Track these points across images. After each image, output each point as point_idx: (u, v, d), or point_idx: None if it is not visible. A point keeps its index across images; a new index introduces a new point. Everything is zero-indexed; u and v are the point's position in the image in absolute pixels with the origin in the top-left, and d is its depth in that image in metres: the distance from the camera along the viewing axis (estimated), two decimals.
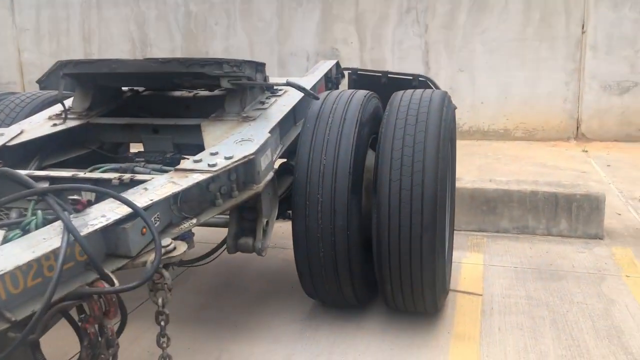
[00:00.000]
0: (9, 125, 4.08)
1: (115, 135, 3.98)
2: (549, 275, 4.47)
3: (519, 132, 10.14)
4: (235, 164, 2.99)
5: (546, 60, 9.92)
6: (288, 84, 3.47)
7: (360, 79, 4.70)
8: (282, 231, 5.03)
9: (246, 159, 3.04)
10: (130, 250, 2.49)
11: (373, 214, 3.39)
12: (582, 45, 9.74)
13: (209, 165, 2.93)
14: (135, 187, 2.74)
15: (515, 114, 10.14)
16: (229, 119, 3.63)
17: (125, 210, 2.47)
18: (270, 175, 3.32)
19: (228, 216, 3.38)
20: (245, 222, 3.37)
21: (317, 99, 3.62)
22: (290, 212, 3.70)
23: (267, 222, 3.35)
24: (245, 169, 3.13)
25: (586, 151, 9.13)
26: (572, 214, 5.27)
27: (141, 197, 2.62)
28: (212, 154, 3.07)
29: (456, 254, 4.88)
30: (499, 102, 10.16)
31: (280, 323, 3.83)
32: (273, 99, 3.93)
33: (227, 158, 3.01)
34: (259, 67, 3.78)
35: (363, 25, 10.63)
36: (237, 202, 3.08)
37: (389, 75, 4.57)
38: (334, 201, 3.36)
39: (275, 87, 4.02)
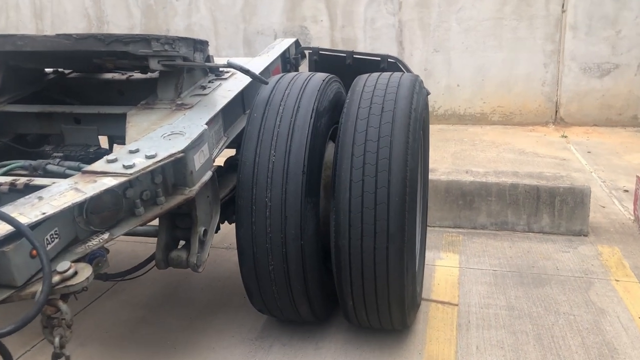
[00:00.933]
0: None
1: (30, 126, 3.38)
2: (532, 280, 4.03)
3: (496, 116, 9.71)
4: (159, 164, 2.44)
5: (524, 41, 9.46)
6: (229, 65, 2.90)
7: (322, 60, 4.16)
8: None
9: (173, 158, 2.49)
10: (14, 279, 1.95)
11: (331, 220, 2.87)
12: (561, 25, 9.29)
13: (124, 166, 2.37)
14: (27, 196, 2.17)
15: (492, 97, 9.70)
16: (160, 107, 3.07)
17: (7, 228, 1.92)
18: (208, 175, 2.78)
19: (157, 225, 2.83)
20: (178, 232, 2.83)
21: (266, 83, 3.07)
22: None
23: (205, 231, 2.81)
24: (175, 170, 2.58)
25: (565, 136, 8.74)
26: (554, 209, 4.83)
27: (32, 210, 2.07)
28: (131, 152, 2.50)
29: (429, 255, 4.42)
30: (475, 84, 9.70)
31: (227, 344, 3.31)
32: (217, 83, 3.36)
33: (148, 157, 2.45)
34: (199, 45, 3.21)
35: (333, 2, 10.02)
36: (164, 210, 2.53)
37: (354, 56, 4.04)
38: (285, 205, 2.84)
39: (220, 70, 3.45)
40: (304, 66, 4.52)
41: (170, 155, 2.48)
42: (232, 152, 3.54)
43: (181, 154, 2.52)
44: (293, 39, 4.27)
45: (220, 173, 3.21)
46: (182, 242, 2.88)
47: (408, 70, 3.97)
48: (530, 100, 9.60)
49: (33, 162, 2.92)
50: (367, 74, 3.25)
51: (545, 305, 3.67)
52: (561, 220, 4.84)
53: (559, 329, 3.39)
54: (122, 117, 3.07)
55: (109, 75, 3.70)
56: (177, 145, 2.56)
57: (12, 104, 3.34)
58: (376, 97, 2.96)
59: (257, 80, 3.00)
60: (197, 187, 2.66)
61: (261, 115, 3.01)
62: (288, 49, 4.17)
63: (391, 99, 2.93)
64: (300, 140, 2.90)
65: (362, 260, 2.80)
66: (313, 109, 2.99)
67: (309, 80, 3.19)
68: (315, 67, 4.20)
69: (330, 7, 10.03)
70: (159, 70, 2.99)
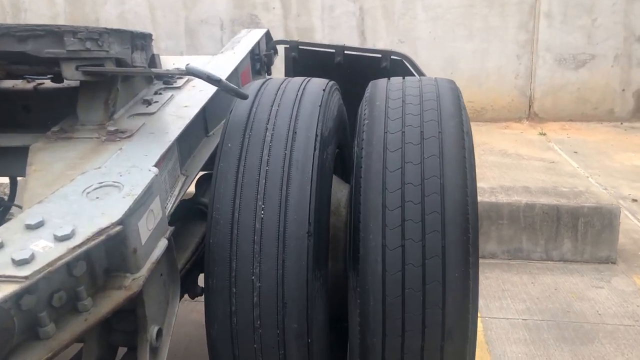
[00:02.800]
0: None
1: None
2: (574, 334, 3.20)
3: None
4: (79, 250, 1.40)
5: (496, 30, 8.73)
6: (190, 71, 1.87)
7: (303, 58, 3.18)
8: None
9: (104, 236, 1.46)
10: None
11: (353, 306, 1.91)
12: (535, 13, 8.61)
13: (14, 261, 1.33)
14: None
15: (462, 92, 8.92)
16: (82, 135, 2.01)
17: None
18: (162, 246, 1.76)
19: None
20: (117, 337, 1.79)
21: (246, 97, 2.06)
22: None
23: (160, 331, 1.79)
24: (107, 250, 1.56)
25: (544, 134, 8.07)
26: (577, 233, 4.04)
27: None
28: (29, 228, 1.46)
29: None
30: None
31: None
32: (167, 95, 2.33)
33: (60, 239, 1.41)
34: (139, 40, 2.16)
35: None
36: (91, 323, 1.50)
37: (345, 52, 3.09)
38: (283, 286, 1.85)
39: (167, 77, 2.42)
40: (278, 66, 3.51)
41: (99, 233, 1.45)
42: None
43: (117, 228, 1.49)
44: (263, 30, 3.26)
45: (175, 222, 2.17)
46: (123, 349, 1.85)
47: (419, 72, 3.04)
48: (502, 94, 8.91)
49: None
50: (384, 80, 2.30)
51: None
52: (585, 245, 4.06)
53: None
54: (24, 152, 2.00)
55: (7, 84, 2.58)
56: (110, 210, 1.52)
57: None
58: (409, 117, 2.00)
59: (232, 94, 1.99)
60: (144, 271, 1.64)
61: (238, 146, 2.01)
62: (258, 43, 3.15)
63: (432, 118, 1.99)
64: (301, 184, 1.91)
65: None
66: (317, 135, 2.02)
67: (304, 90, 2.21)
68: (293, 66, 3.22)
69: None
70: (77, 80, 1.92)
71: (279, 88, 2.23)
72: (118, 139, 1.97)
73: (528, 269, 4.00)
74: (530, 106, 8.93)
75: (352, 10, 8.90)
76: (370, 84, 2.29)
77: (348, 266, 2.00)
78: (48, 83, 2.59)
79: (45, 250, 1.38)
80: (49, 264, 1.34)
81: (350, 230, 1.98)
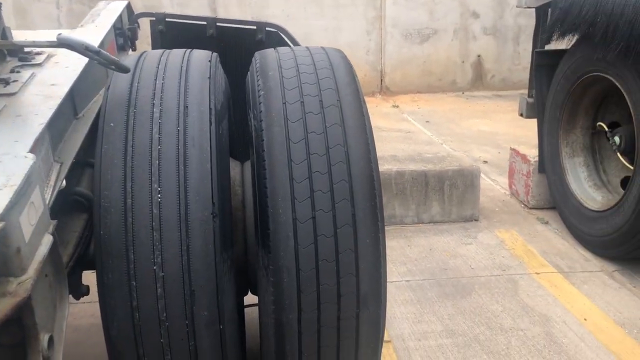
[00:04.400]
0: None
1: None
2: (454, 289, 3.41)
3: None
4: None
5: (346, 7, 8.95)
6: (63, 42, 1.63)
7: (171, 31, 2.96)
8: None
9: None
10: None
11: (264, 284, 1.83)
12: None
13: None
14: None
15: None
16: None
17: None
18: (47, 242, 1.54)
19: None
20: (1, 353, 1.54)
21: (127, 70, 1.86)
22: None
23: (51, 339, 1.57)
24: None
25: (397, 106, 8.48)
26: (444, 195, 4.30)
27: None
28: None
29: None
30: None
31: None
32: (27, 73, 2.04)
33: None
34: None
35: None
36: None
37: (218, 24, 2.93)
38: (190, 273, 1.72)
39: (27, 50, 2.12)
40: (142, 41, 3.25)
41: None
42: None
43: (1, 224, 1.26)
44: (124, 2, 2.98)
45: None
46: None
47: (296, 43, 2.98)
48: (356, 70, 9.15)
49: None
50: (272, 50, 2.21)
51: (485, 321, 3.07)
52: (451, 206, 4.33)
53: (517, 352, 2.80)
54: None
55: None
56: None
57: None
58: (307, 86, 1.94)
59: (112, 68, 1.78)
60: (31, 272, 1.43)
61: (123, 125, 1.81)
62: (120, 16, 2.88)
63: (330, 86, 1.95)
64: (200, 162, 1.78)
65: (319, 340, 1.83)
66: (210, 109, 1.88)
67: (189, 62, 2.06)
68: (161, 41, 2.99)
69: None
70: None
71: (160, 60, 2.05)
72: None
73: (403, 233, 4.18)
74: (382, 80, 9.32)
75: (207, 2, 8.60)
76: (257, 54, 2.19)
77: (256, 244, 1.91)
78: None
79: None
80: None
81: (255, 206, 1.89)
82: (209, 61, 2.09)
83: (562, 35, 3.89)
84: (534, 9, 4.54)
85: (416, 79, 9.34)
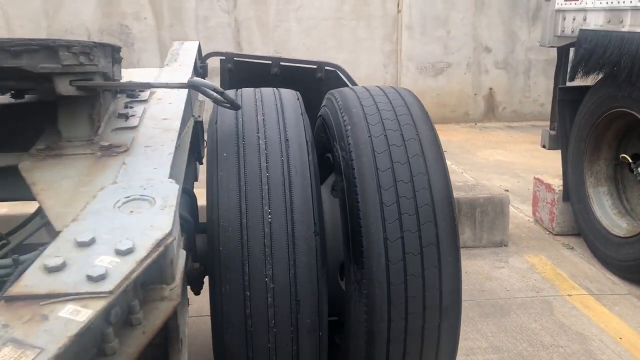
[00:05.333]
0: None
1: None
2: (493, 309, 3.63)
3: None
4: (145, 263, 1.42)
5: (364, 41, 9.32)
6: (195, 84, 1.89)
7: (238, 69, 3.25)
8: None
9: (162, 247, 1.48)
10: None
11: (356, 297, 2.07)
12: (398, 26, 9.34)
13: (90, 277, 1.32)
14: None
15: None
16: (74, 152, 1.96)
17: None
18: (184, 255, 1.80)
19: None
20: (147, 352, 1.78)
21: (239, 108, 2.13)
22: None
23: (182, 342, 1.81)
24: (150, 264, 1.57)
25: None
26: (475, 221, 4.54)
27: None
28: (82, 245, 1.43)
29: None
30: None
31: None
32: (139, 109, 2.31)
33: (122, 252, 1.42)
34: (116, 54, 2.14)
35: None
36: (149, 335, 1.50)
37: (281, 63, 3.22)
38: (296, 285, 1.96)
39: (139, 90, 2.40)
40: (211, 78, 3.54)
41: (158, 245, 1.46)
42: None
43: (171, 239, 1.51)
44: (196, 43, 3.27)
45: None
46: None
47: (352, 81, 3.27)
48: None
49: None
50: (347, 89, 2.49)
51: (527, 339, 3.29)
52: (482, 232, 4.57)
53: None
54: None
55: None
56: (158, 223, 1.54)
57: None
58: (388, 122, 2.22)
59: (227, 105, 2.04)
60: (178, 281, 1.67)
61: (234, 154, 2.08)
62: (195, 55, 3.17)
63: (408, 122, 2.23)
64: (303, 187, 2.04)
65: (404, 348, 2.06)
66: (307, 142, 2.15)
67: (281, 100, 2.33)
68: (229, 78, 3.28)
69: (155, 2, 8.79)
70: (69, 95, 1.86)
71: (255, 98, 2.33)
72: (115, 154, 1.94)
73: None
74: None
75: (227, 22, 8.97)
76: (335, 92, 2.47)
77: (347, 261, 2.15)
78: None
79: (113, 265, 1.37)
80: (126, 278, 1.34)
81: (346, 227, 2.14)
82: (297, 99, 2.37)
83: (587, 73, 4.19)
84: (555, 48, 4.85)
85: (430, 110, 9.58)
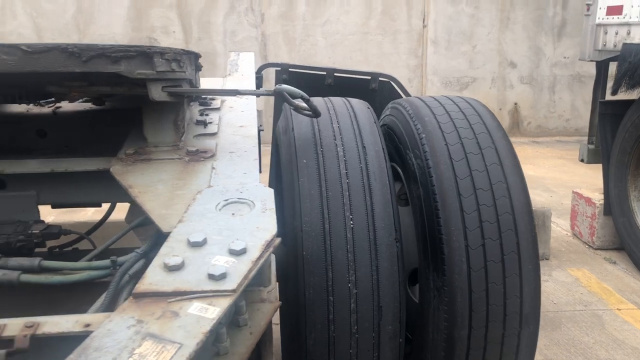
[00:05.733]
0: None
1: None
2: (543, 322, 3.60)
3: None
4: (259, 263, 1.44)
5: (389, 56, 9.38)
6: (282, 91, 1.92)
7: (293, 80, 3.29)
8: None
9: (272, 248, 1.50)
10: None
11: (435, 304, 2.07)
12: (423, 40, 9.39)
13: (212, 276, 1.34)
14: None
15: None
16: (162, 156, 1.99)
17: None
18: (273, 258, 1.82)
19: None
20: None
21: (319, 115, 2.15)
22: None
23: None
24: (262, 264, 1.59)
25: None
26: None
27: None
28: (195, 245, 1.45)
29: None
30: None
31: None
32: (215, 116, 2.34)
33: (236, 253, 1.44)
34: (197, 61, 2.18)
35: (187, 11, 8.92)
36: (256, 336, 1.52)
37: (335, 74, 3.25)
38: (379, 291, 1.97)
39: (210, 98, 2.44)
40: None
41: (268, 246, 1.48)
42: None
43: (278, 240, 1.53)
44: (251, 54, 3.32)
45: None
46: None
47: (406, 92, 3.30)
48: None
49: None
50: (415, 98, 2.52)
51: (581, 352, 3.26)
52: None
53: None
54: (90, 177, 1.94)
55: (20, 108, 2.42)
56: (264, 224, 1.56)
57: None
58: (462, 130, 2.23)
59: (310, 115, 2.07)
60: (273, 283, 1.69)
61: (314, 161, 2.10)
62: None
63: (482, 131, 2.24)
64: (383, 194, 2.05)
65: (484, 355, 2.06)
66: (383, 149, 2.17)
67: (353, 108, 2.36)
68: None
69: (184, 16, 8.91)
70: (161, 100, 1.90)
71: (327, 107, 2.36)
72: (202, 159, 1.97)
73: None
74: None
75: (255, 36, 9.07)
76: (403, 102, 2.49)
77: (425, 268, 2.16)
78: (63, 107, 2.47)
79: (230, 264, 1.39)
80: (245, 277, 1.36)
81: (424, 233, 2.14)
82: (368, 108, 2.39)
83: (631, 87, 4.19)
84: (585, 64, 4.87)
85: None
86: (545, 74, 9.65)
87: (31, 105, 2.44)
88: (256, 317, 1.56)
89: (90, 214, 4.15)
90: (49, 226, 1.99)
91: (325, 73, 3.29)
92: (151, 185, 1.79)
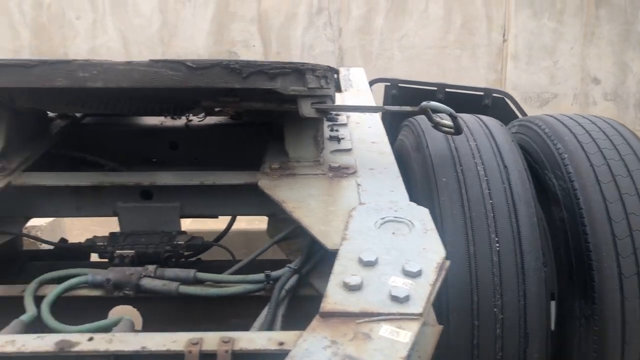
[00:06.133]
0: None
1: (60, 207, 2.07)
2: None
3: None
4: (437, 287, 1.40)
5: (468, 70, 9.21)
6: (428, 107, 1.90)
7: (402, 95, 3.27)
8: None
9: (444, 272, 1.46)
10: None
11: (583, 333, 1.98)
12: (503, 55, 9.19)
13: (397, 299, 1.31)
14: None
15: None
16: (304, 172, 2.00)
17: None
18: None
19: None
20: None
21: (460, 132, 2.11)
22: None
23: None
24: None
25: None
26: None
27: None
28: (367, 265, 1.43)
29: None
30: None
31: None
32: (346, 132, 2.34)
33: (412, 275, 1.40)
34: (335, 77, 2.18)
35: (267, 25, 9.06)
36: None
37: (446, 90, 3.21)
38: (525, 318, 1.89)
39: (336, 114, 2.44)
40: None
41: (440, 268, 1.45)
42: None
43: (448, 262, 1.49)
44: (361, 69, 3.32)
45: None
46: None
47: (521, 110, 3.21)
48: None
49: (104, 274, 1.70)
50: (544, 115, 2.45)
51: None
52: None
53: None
54: (225, 189, 1.96)
55: (153, 120, 2.49)
56: (430, 246, 1.52)
57: (29, 171, 2.02)
58: (606, 151, 2.14)
59: (454, 132, 2.03)
60: (430, 306, 1.64)
61: (454, 180, 2.05)
62: None
63: (628, 152, 2.14)
64: (529, 216, 1.99)
65: None
66: (525, 169, 2.11)
67: (487, 126, 2.30)
68: (393, 104, 3.29)
69: (264, 31, 9.06)
70: (310, 116, 1.90)
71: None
72: (345, 175, 1.96)
73: None
74: None
75: (332, 50, 9.11)
76: (535, 119, 2.43)
77: (570, 294, 2.07)
78: (194, 120, 2.53)
79: (409, 287, 1.36)
80: (428, 300, 1.32)
81: (569, 258, 2.06)
82: (502, 126, 2.33)
83: None
84: None
85: None
86: (631, 91, 9.24)
87: (164, 119, 2.51)
88: (422, 341, 1.52)
89: (187, 224, 4.22)
90: (193, 237, 2.02)
91: (435, 88, 3.25)
92: (303, 201, 1.79)
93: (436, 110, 1.91)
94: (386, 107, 2.06)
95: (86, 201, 2.06)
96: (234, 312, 1.79)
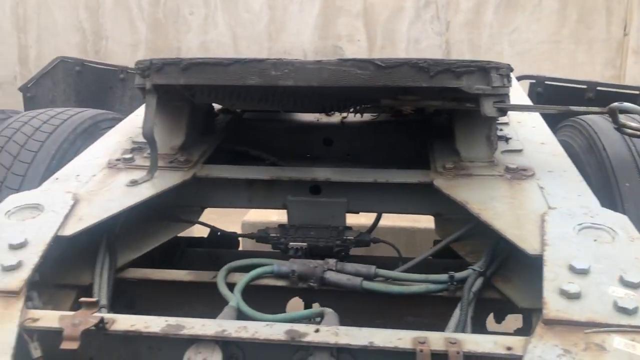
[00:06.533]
0: (23, 178, 2.15)
1: (233, 199, 2.16)
2: None
3: None
4: None
5: (582, 66, 8.77)
6: (617, 108, 1.82)
7: (548, 94, 3.15)
8: None
9: None
10: None
11: None
12: (623, 50, 8.68)
13: (622, 309, 1.26)
14: None
15: None
16: (480, 172, 1.97)
17: None
18: None
19: None
20: None
21: None
22: None
23: None
24: None
25: None
26: None
27: None
28: (579, 273, 1.38)
29: None
30: None
31: None
32: (510, 131, 2.27)
33: (632, 285, 1.34)
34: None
35: (373, 20, 9.04)
36: None
37: (598, 89, 3.06)
38: None
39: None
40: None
41: None
42: None
43: None
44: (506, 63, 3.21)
45: None
46: None
47: None
48: None
49: (288, 265, 1.75)
50: None
51: None
52: None
53: None
54: (390, 187, 1.96)
55: (308, 117, 2.53)
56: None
57: (208, 164, 2.12)
58: None
59: (638, 134, 1.93)
60: None
61: (638, 184, 1.95)
62: None
63: None
64: None
65: None
66: None
67: None
68: (538, 102, 3.18)
69: (369, 25, 9.04)
70: (491, 116, 1.86)
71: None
72: (524, 177, 1.91)
73: None
74: None
75: (438, 44, 8.96)
76: None
77: None
78: (349, 117, 2.55)
79: (632, 298, 1.30)
80: None
81: None
82: None
83: None
84: None
85: None
86: None
87: (319, 115, 2.55)
88: None
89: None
90: (361, 233, 2.05)
91: (585, 87, 3.10)
92: (487, 203, 1.76)
93: (629, 111, 1.82)
94: (572, 107, 1.99)
95: (259, 193, 2.14)
96: (409, 310, 1.79)
